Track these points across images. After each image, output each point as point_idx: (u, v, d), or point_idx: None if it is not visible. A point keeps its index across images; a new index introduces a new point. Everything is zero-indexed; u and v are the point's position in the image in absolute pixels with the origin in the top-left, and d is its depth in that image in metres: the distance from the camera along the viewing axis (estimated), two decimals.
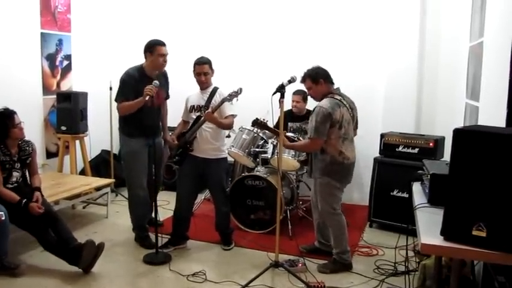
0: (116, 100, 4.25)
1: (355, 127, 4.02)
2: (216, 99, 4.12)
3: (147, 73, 4.18)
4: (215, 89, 4.21)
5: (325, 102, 3.73)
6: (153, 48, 4.15)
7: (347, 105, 3.81)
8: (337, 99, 3.77)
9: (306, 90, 5.22)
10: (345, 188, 3.96)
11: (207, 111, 4.00)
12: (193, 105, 4.26)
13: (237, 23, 6.22)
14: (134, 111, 4.09)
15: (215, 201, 4.42)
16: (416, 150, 4.68)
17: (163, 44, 4.18)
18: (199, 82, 4.22)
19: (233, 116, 4.16)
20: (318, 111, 3.70)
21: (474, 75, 3.87)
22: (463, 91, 4.28)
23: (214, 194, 4.42)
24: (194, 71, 4.19)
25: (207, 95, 4.20)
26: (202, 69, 4.15)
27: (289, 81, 3.66)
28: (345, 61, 5.66)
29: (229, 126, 4.23)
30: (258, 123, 4.05)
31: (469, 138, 1.98)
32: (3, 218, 3.49)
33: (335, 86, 3.91)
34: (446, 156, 4.48)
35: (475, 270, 3.21)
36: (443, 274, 3.26)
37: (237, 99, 3.99)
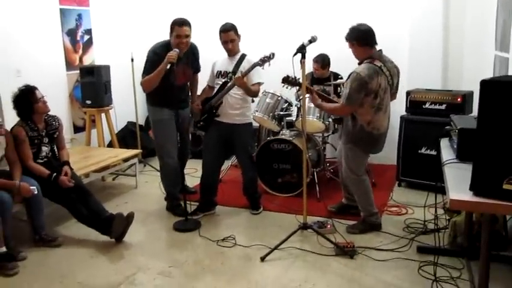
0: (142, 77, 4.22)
1: (395, 91, 3.86)
2: (245, 65, 4.09)
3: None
4: (243, 56, 4.18)
5: (363, 69, 3.53)
6: (172, 28, 4.07)
7: (386, 73, 3.61)
8: (377, 65, 3.56)
9: (324, 58, 5.18)
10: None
11: (237, 76, 3.97)
12: (220, 71, 4.24)
13: None
14: (158, 86, 4.06)
15: (241, 166, 4.45)
16: (443, 107, 4.57)
17: (181, 24, 4.02)
18: (227, 50, 4.18)
19: (259, 84, 4.14)
20: (354, 77, 3.53)
21: (504, 25, 3.70)
22: (492, 42, 4.11)
23: (240, 159, 4.44)
24: (220, 39, 4.14)
25: (235, 62, 4.17)
26: (228, 36, 4.09)
27: (310, 41, 3.54)
28: (366, 11, 5.46)
29: (256, 94, 4.21)
30: (288, 80, 3.89)
31: (497, 89, 1.91)
32: (36, 192, 3.59)
33: (378, 48, 3.66)
34: (475, 111, 4.35)
35: (507, 226, 3.17)
36: (474, 230, 3.22)
37: (269, 64, 3.93)
